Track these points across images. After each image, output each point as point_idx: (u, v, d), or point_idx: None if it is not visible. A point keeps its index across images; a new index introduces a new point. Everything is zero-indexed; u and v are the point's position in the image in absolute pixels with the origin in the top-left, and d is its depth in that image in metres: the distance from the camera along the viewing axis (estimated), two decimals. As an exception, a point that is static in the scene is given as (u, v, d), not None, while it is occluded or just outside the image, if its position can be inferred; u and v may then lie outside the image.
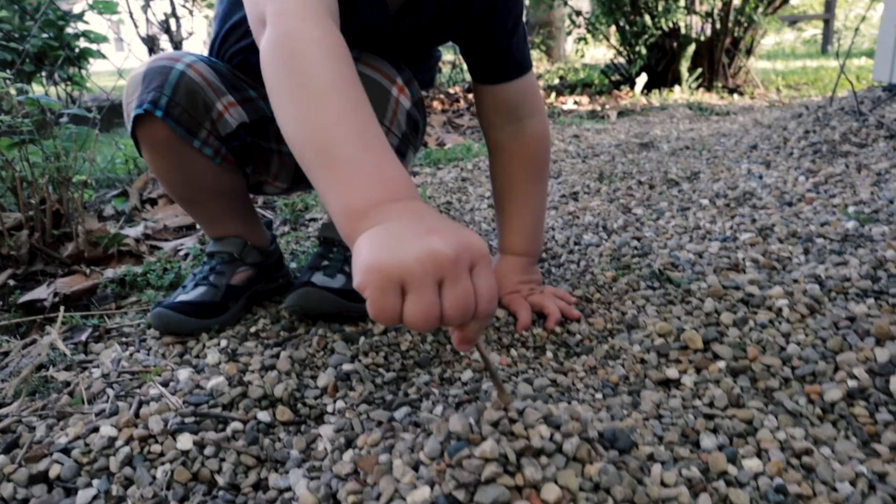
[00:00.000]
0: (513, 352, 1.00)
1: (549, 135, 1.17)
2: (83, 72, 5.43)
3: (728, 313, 0.98)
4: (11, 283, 1.51)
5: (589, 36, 4.99)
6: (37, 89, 5.52)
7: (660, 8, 4.41)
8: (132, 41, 3.20)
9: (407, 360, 0.98)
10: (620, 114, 3.68)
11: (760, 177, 1.78)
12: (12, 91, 1.83)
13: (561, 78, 5.63)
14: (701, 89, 4.61)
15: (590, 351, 0.97)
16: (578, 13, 5.10)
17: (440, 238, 0.55)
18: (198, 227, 1.81)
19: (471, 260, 0.55)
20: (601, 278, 1.21)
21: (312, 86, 0.66)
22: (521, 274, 1.13)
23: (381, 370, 0.96)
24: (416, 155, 1.25)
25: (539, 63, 7.77)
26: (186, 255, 1.60)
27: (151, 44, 3.67)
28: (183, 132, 1.02)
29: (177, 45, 3.66)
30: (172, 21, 3.75)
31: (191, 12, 4.04)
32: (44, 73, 4.80)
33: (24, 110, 1.89)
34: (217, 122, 1.06)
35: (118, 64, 2.49)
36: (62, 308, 1.15)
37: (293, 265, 1.41)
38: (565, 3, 4.99)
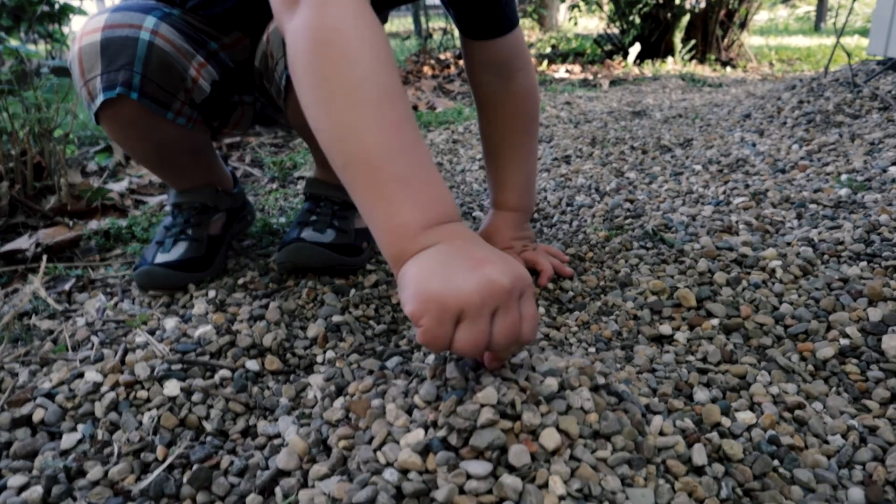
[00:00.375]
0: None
1: (537, 89, 1.15)
2: (64, 28, 5.29)
3: (722, 273, 0.98)
4: (-8, 234, 1.48)
5: (582, 4, 4.92)
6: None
7: (655, -23, 4.35)
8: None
9: (398, 314, 0.97)
10: (613, 83, 3.65)
11: (754, 144, 1.77)
12: None
13: (553, 47, 5.56)
14: (694, 61, 4.57)
15: (583, 307, 0.97)
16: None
17: (494, 269, 0.56)
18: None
19: (521, 290, 0.58)
20: (594, 238, 1.20)
21: (359, 94, 0.62)
22: (515, 230, 1.12)
23: (371, 322, 0.94)
24: None
25: (531, 32, 7.67)
26: (172, 209, 1.57)
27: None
28: (157, 108, 0.96)
29: None
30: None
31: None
32: (22, 29, 4.66)
33: (3, 62, 1.83)
34: (191, 91, 0.99)
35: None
36: (44, 257, 1.12)
37: (282, 220, 1.39)
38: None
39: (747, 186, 1.42)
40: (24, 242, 1.33)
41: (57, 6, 5.24)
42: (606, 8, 4.87)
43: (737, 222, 1.19)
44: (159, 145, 1.05)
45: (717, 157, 1.70)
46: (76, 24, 5.23)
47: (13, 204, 1.59)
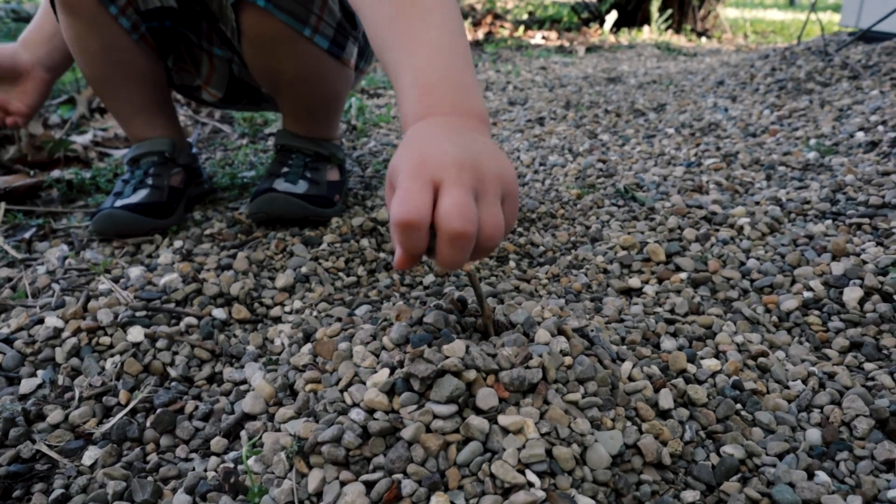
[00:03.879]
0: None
1: None
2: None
3: (691, 230, 0.99)
4: (-52, 184, 1.43)
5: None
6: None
7: (634, -56, 4.32)
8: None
9: (368, 265, 0.96)
10: (588, 50, 3.63)
11: (726, 109, 1.78)
12: None
13: (530, 13, 5.51)
14: (670, 31, 4.57)
15: (553, 261, 0.97)
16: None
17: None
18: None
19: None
20: (566, 195, 1.20)
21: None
22: (439, 139, 0.74)
23: (341, 274, 0.94)
24: (366, 60, 1.18)
25: (508, -2, 7.58)
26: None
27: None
28: None
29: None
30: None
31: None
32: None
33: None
34: None
35: None
36: (3, 205, 1.09)
37: (251, 174, 1.36)
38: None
39: (718, 149, 1.43)
40: (-20, 190, 1.29)
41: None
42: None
43: (707, 182, 1.19)
44: (105, 51, 1.01)
45: (689, 121, 1.70)
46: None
47: (-30, 154, 1.53)
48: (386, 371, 0.55)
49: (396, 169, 0.51)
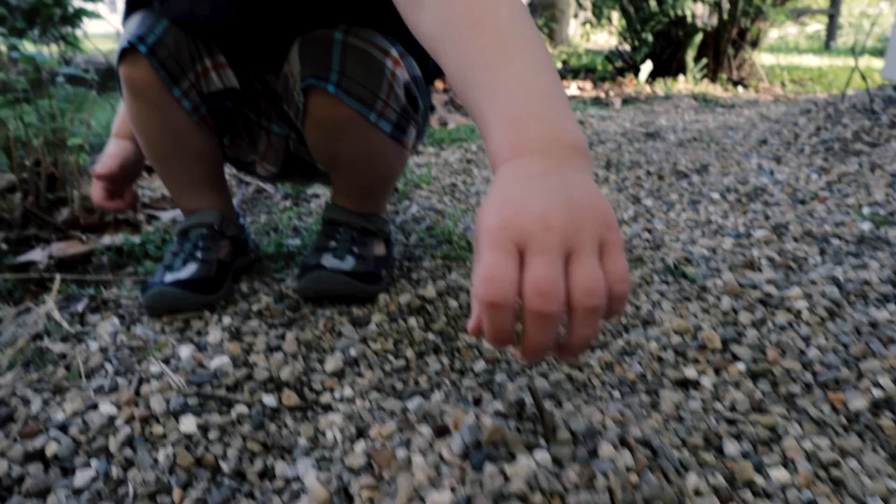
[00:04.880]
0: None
1: None
2: (77, 32, 5.32)
3: (746, 313, 0.96)
4: (4, 246, 1.47)
5: (594, 20, 4.92)
6: (28, 49, 5.39)
7: (668, -5, 4.35)
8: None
9: (417, 347, 0.95)
10: (625, 101, 3.64)
11: (771, 172, 1.76)
12: (2, 48, 1.77)
13: (564, 62, 5.57)
14: (705, 80, 4.57)
15: (605, 346, 0.95)
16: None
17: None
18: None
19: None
20: (613, 270, 1.18)
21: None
22: (528, 186, 0.60)
23: (390, 357, 0.93)
24: (421, 139, 1.19)
25: (542, 45, 7.67)
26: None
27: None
28: (165, 76, 0.99)
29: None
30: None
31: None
32: (35, 32, 4.67)
33: (18, 68, 1.82)
34: (202, 76, 1.03)
35: (114, 25, 2.42)
36: (58, 277, 1.11)
37: (296, 242, 1.38)
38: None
39: (767, 218, 1.40)
40: (37, 255, 1.32)
41: (71, 9, 5.27)
42: (617, 24, 4.87)
43: (759, 257, 1.17)
44: (165, 130, 1.05)
45: (734, 184, 1.68)
46: (89, 28, 5.23)
47: (26, 215, 1.58)
48: (447, 494, 0.54)
49: (480, 229, 0.47)
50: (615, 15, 4.88)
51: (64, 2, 5.22)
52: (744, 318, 0.95)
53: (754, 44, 4.77)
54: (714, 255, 1.21)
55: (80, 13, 5.37)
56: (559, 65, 5.45)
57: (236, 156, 1.18)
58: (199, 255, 1.09)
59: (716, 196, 1.60)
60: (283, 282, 1.17)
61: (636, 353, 0.92)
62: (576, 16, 5.10)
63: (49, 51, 5.40)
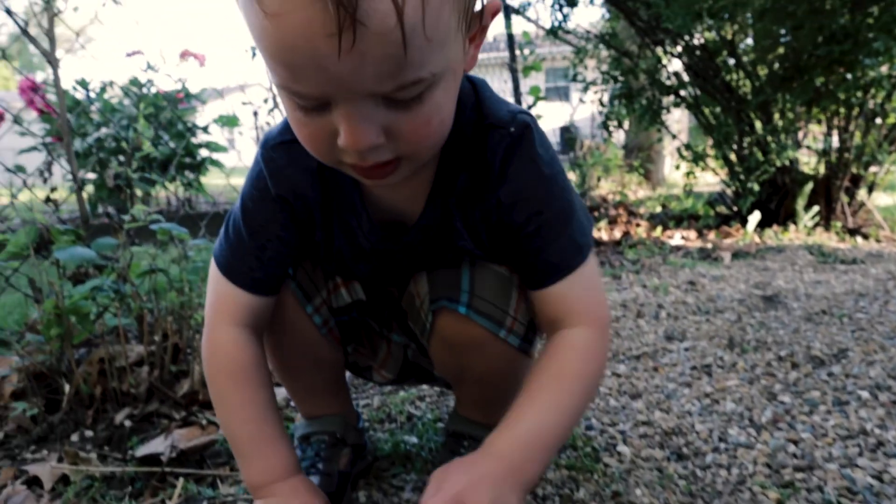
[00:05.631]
0: None
1: (598, 354, 0.89)
2: (202, 178, 5.83)
3: (943, 585, 0.82)
4: (127, 423, 1.51)
5: (695, 168, 4.89)
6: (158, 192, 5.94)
7: (773, 145, 4.29)
8: (244, 149, 3.35)
9: None
10: (734, 255, 3.52)
11: (924, 364, 1.59)
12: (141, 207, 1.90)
13: (663, 206, 5.53)
14: (818, 228, 4.38)
15: None
16: (675, 136, 5.05)
17: None
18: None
19: None
20: (762, 499, 1.06)
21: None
22: (484, 487, 0.74)
23: None
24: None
25: (638, 187, 7.73)
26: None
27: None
28: (300, 295, 1.01)
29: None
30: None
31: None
32: (165, 179, 5.14)
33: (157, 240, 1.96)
34: (333, 293, 1.05)
35: (229, 164, 2.59)
36: (181, 481, 1.11)
37: (413, 440, 1.33)
38: (663, 127, 4.95)
39: (935, 432, 1.24)
40: (159, 445, 1.33)
41: (199, 158, 5.81)
42: (722, 172, 4.82)
43: (939, 494, 1.02)
44: (294, 343, 1.05)
45: (884, 378, 1.53)
46: (212, 177, 5.73)
47: (150, 390, 1.63)
48: None
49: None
50: (711, 162, 4.84)
51: (194, 152, 5.77)
52: (940, 591, 0.81)
53: (870, 189, 4.57)
54: (882, 485, 1.07)
55: (209, 163, 5.90)
56: (658, 208, 5.41)
57: (355, 361, 1.19)
58: (320, 466, 1.06)
59: (865, 395, 1.45)
60: (403, 491, 1.12)
61: None
62: (677, 167, 5.09)
63: (175, 188, 5.93)
